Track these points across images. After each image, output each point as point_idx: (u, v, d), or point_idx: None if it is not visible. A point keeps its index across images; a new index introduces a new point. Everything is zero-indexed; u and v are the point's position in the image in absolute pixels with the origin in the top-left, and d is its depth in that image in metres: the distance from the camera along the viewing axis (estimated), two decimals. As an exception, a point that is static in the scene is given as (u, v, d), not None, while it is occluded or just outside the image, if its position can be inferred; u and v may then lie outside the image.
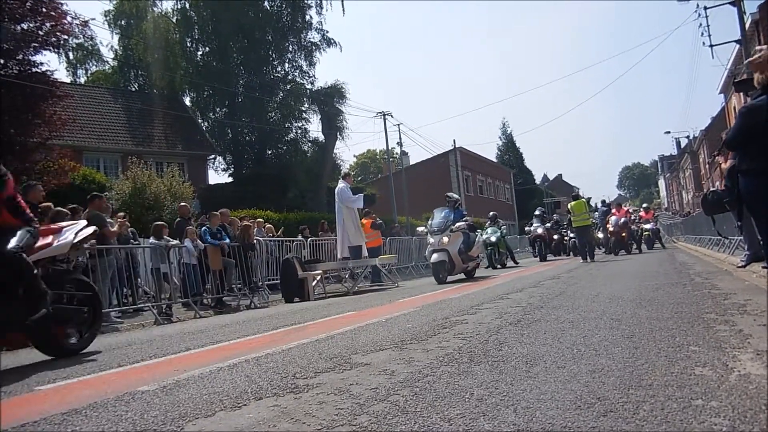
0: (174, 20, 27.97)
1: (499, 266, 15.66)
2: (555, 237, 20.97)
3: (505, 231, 17.38)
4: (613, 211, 18.07)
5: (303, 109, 29.03)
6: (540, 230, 18.61)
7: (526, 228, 23.61)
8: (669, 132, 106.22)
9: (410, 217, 29.96)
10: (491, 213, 17.90)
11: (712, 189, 5.16)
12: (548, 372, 2.55)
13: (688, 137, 62.18)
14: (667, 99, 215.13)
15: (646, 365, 2.51)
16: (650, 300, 4.83)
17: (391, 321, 5.06)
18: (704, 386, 2.11)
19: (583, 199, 16.18)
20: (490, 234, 16.13)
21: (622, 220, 17.29)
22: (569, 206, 16.17)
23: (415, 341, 3.75)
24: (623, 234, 17.44)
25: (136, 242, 9.84)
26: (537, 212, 20.39)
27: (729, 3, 18.42)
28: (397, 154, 39.45)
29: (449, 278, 10.97)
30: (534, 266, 14.87)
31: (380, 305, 7.17)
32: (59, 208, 7.26)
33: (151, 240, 9.36)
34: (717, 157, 6.57)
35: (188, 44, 28.14)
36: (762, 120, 4.07)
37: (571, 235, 18.85)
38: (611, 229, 17.22)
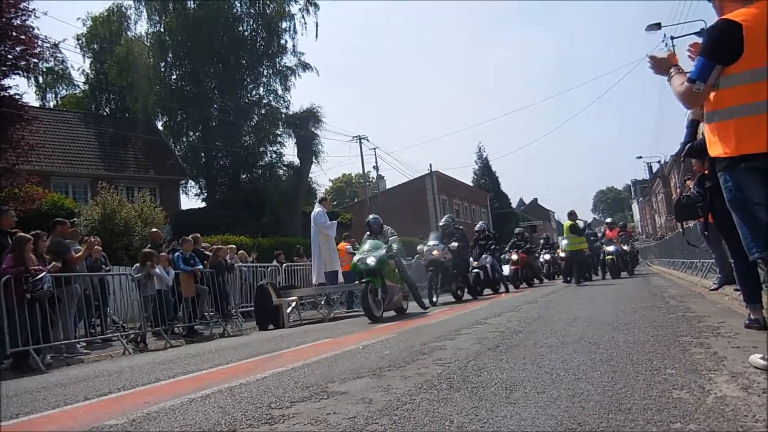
0: (148, 44, 27.84)
1: (380, 313, 8.18)
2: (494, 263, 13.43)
3: (399, 249, 9.51)
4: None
5: (278, 132, 28.95)
6: (436, 252, 11.05)
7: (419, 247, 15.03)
8: (641, 157, 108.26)
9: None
10: (371, 216, 9.80)
11: (685, 193, 5.18)
12: (528, 397, 2.53)
13: (659, 162, 63.79)
14: (639, 124, 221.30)
15: (625, 389, 2.51)
16: (627, 323, 4.87)
17: (368, 348, 4.99)
18: (682, 409, 2.11)
19: (571, 222, 14.68)
20: (367, 253, 8.49)
21: (526, 246, 15.86)
22: (564, 225, 15.24)
23: (393, 368, 3.69)
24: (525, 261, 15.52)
25: (108, 268, 9.57)
26: (442, 221, 12.68)
27: (694, 33, 19.20)
28: (373, 178, 39.68)
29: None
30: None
31: (357, 332, 7.08)
32: (21, 234, 7.06)
33: (137, 267, 9.06)
34: (687, 182, 6.72)
35: (162, 68, 28.00)
36: None
37: (514, 257, 15.33)
38: (515, 257, 15.20)
